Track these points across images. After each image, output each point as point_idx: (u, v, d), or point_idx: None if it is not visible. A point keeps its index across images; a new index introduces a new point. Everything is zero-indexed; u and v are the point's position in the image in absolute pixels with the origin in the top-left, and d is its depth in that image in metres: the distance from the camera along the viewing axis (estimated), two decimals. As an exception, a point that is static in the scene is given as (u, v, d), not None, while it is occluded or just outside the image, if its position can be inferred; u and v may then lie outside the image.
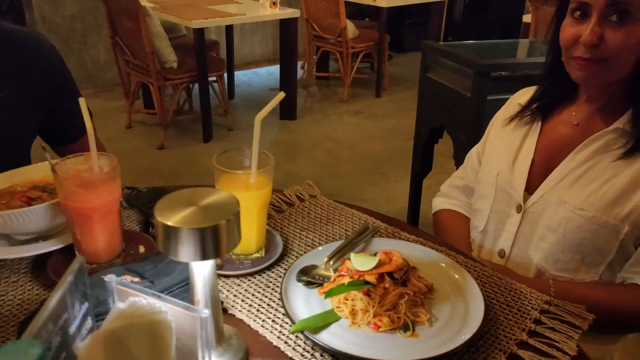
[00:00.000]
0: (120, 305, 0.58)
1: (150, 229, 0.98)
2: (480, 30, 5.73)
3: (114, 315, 0.57)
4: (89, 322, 0.63)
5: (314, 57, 4.76)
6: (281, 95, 0.86)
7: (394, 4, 4.42)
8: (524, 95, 1.12)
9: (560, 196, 0.97)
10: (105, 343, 0.55)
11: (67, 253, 0.87)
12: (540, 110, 1.06)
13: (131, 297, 0.58)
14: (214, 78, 3.69)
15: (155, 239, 0.62)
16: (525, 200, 1.02)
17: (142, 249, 0.91)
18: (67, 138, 1.30)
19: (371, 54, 4.67)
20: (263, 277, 0.87)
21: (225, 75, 4.01)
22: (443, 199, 1.25)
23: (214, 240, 0.61)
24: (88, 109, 0.83)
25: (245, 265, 0.89)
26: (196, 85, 3.66)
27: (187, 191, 0.65)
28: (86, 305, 0.62)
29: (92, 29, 4.59)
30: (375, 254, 0.83)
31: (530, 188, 1.03)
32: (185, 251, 0.61)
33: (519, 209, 1.03)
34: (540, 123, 1.06)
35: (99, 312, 0.66)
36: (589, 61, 0.90)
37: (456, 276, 0.85)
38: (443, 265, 0.88)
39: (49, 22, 4.36)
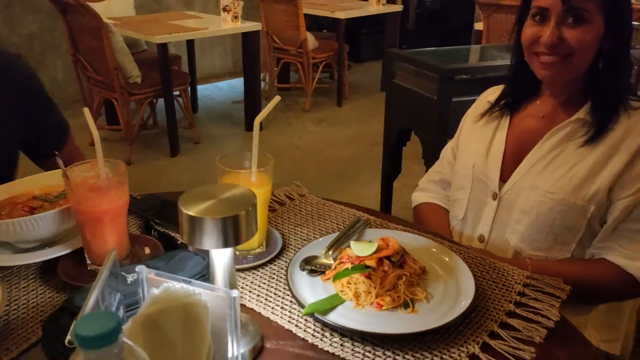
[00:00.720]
0: (154, 291, 0.62)
1: (153, 232, 1.01)
2: (434, 38, 5.94)
3: (149, 300, 0.61)
4: (121, 312, 0.67)
5: (276, 68, 4.83)
6: (277, 99, 0.92)
7: (351, 15, 4.54)
8: (493, 93, 1.21)
9: (532, 182, 1.06)
10: (143, 327, 0.59)
11: (75, 257, 0.90)
12: (508, 106, 1.16)
13: (164, 283, 0.62)
14: (178, 92, 3.70)
15: (179, 230, 0.67)
16: (500, 188, 1.12)
17: (147, 250, 0.94)
18: (46, 153, 1.30)
19: (331, 64, 4.78)
20: (267, 270, 0.93)
21: (189, 89, 4.02)
22: (422, 193, 1.33)
23: (234, 229, 0.66)
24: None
25: (249, 259, 0.94)
26: (160, 99, 3.67)
27: (207, 187, 0.70)
28: (119, 295, 0.67)
29: (50, 48, 4.53)
30: (371, 242, 0.90)
31: (504, 176, 1.12)
32: (209, 240, 0.66)
33: (494, 196, 1.12)
34: (508, 117, 1.16)
35: (127, 304, 0.70)
36: (554, 57, 0.99)
37: (446, 258, 0.93)
38: (433, 249, 0.95)
39: (5, 41, 4.28)
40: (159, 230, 1.01)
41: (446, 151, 1.31)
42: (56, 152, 0.88)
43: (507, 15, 3.34)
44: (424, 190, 1.33)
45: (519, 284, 0.89)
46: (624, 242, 1.02)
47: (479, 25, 3.92)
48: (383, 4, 4.80)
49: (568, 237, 1.04)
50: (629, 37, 1.03)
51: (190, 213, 0.65)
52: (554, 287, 0.88)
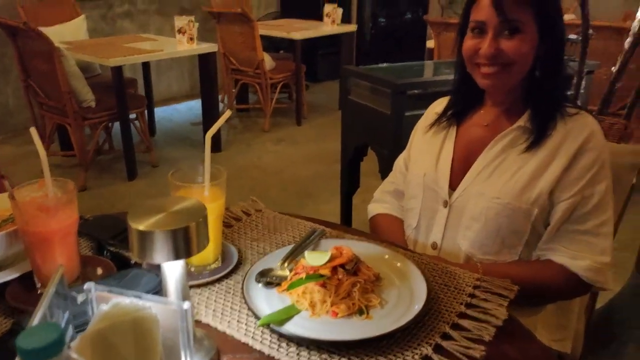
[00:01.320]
0: (103, 307, 0.61)
1: (105, 253, 1.00)
2: (388, 56, 6.08)
3: (98, 316, 0.60)
4: (70, 331, 0.66)
5: (234, 90, 4.84)
6: (228, 113, 0.93)
7: (307, 36, 4.61)
8: (440, 104, 1.26)
9: (479, 189, 1.10)
10: (92, 343, 0.58)
11: (24, 282, 0.88)
12: (454, 116, 1.21)
13: (113, 299, 0.62)
14: (134, 115, 3.66)
15: (129, 246, 0.67)
16: (450, 195, 1.15)
17: (100, 271, 0.93)
18: None
19: (289, 84, 4.82)
20: (222, 285, 0.92)
21: (146, 112, 3.98)
22: (377, 204, 1.36)
23: (185, 241, 0.67)
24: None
25: (205, 275, 0.93)
26: (116, 123, 3.61)
27: (156, 200, 0.70)
28: (67, 314, 0.65)
29: (-1, 73, 4.41)
30: (325, 251, 0.91)
31: (453, 184, 1.16)
32: (160, 253, 0.66)
33: (445, 204, 1.15)
34: (455, 127, 1.20)
35: (77, 324, 0.69)
36: (494, 68, 1.05)
37: (399, 264, 0.95)
38: (386, 256, 0.97)
39: (-51, 69, 4.14)
40: (112, 250, 1.00)
41: (398, 162, 1.34)
42: (2, 175, 0.86)
43: (456, 32, 3.46)
44: (379, 202, 1.36)
45: (470, 286, 0.92)
46: (566, 243, 1.06)
47: (430, 43, 4.05)
48: (338, 25, 4.89)
49: (514, 241, 1.08)
50: (562, 44, 1.09)
51: (140, 228, 0.65)
52: (502, 288, 0.91)
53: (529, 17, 1.02)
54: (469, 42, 1.08)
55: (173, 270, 0.68)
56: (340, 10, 4.87)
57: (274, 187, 3.53)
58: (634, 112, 1.91)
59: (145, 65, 4.35)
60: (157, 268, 0.83)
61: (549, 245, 1.08)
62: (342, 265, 0.86)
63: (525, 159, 1.08)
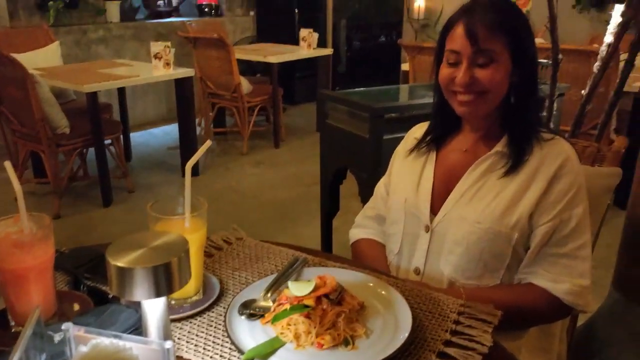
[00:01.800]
0: (82, 349, 0.59)
1: (82, 287, 0.97)
2: (364, 79, 6.15)
3: (77, 359, 0.58)
4: (47, 373, 0.64)
5: (211, 113, 4.83)
6: (208, 143, 0.92)
7: (283, 59, 4.64)
8: (419, 129, 1.27)
9: (460, 213, 1.11)
10: (71, 388, 0.56)
11: (-4, 320, 0.85)
12: (433, 141, 1.22)
13: (93, 340, 0.60)
14: (109, 141, 3.62)
15: (108, 283, 0.65)
16: (431, 220, 1.15)
17: (76, 307, 0.90)
18: None
19: (266, 107, 4.83)
20: (204, 318, 0.91)
21: (121, 137, 3.94)
22: (358, 229, 1.35)
23: (166, 278, 0.65)
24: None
25: (186, 308, 0.91)
26: (91, 149, 3.56)
27: (136, 235, 0.69)
28: (45, 355, 0.63)
29: (-31, 100, 4.32)
30: (309, 281, 0.90)
31: (435, 209, 1.16)
32: (140, 290, 0.64)
33: (427, 229, 1.16)
34: (435, 152, 1.21)
35: (53, 365, 0.66)
36: (470, 96, 1.07)
37: (383, 292, 0.94)
38: (370, 284, 0.96)
39: None
40: (89, 284, 0.97)
41: (379, 187, 1.35)
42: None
43: (430, 56, 3.52)
44: (361, 227, 1.36)
45: (454, 312, 0.92)
46: (547, 266, 1.08)
47: (405, 66, 4.11)
48: (314, 48, 4.94)
49: (496, 265, 1.09)
50: (535, 70, 1.12)
51: (119, 264, 0.63)
52: (486, 313, 0.91)
53: (502, 46, 1.05)
54: (445, 71, 1.10)
55: (154, 308, 0.67)
56: (316, 35, 4.93)
57: (253, 210, 3.51)
58: (604, 134, 1.95)
59: (121, 91, 4.32)
60: (137, 303, 0.81)
61: (530, 268, 1.09)
62: (327, 295, 0.86)
63: (504, 183, 1.09)
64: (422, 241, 1.16)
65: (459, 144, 1.18)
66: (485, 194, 1.10)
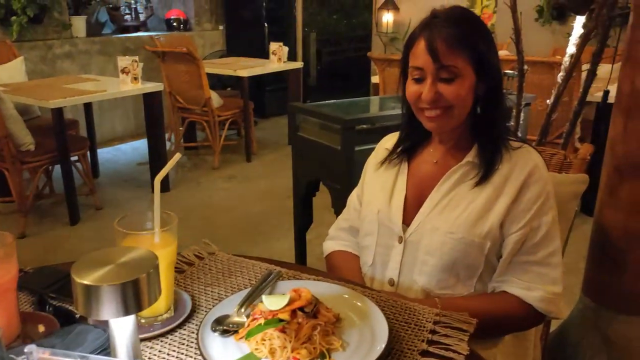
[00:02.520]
0: (47, 372, 0.56)
1: (47, 307, 0.93)
2: (334, 91, 6.19)
3: (41, 383, 0.56)
4: (9, 400, 0.61)
5: (181, 128, 4.78)
6: (177, 156, 0.91)
7: (253, 73, 4.63)
8: (390, 140, 1.27)
9: (433, 224, 1.11)
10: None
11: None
12: (404, 152, 1.22)
13: (58, 363, 0.57)
14: (76, 157, 3.54)
15: (74, 302, 0.62)
16: (404, 231, 1.15)
17: (41, 328, 0.87)
18: None
19: (237, 121, 4.80)
20: (176, 336, 0.88)
21: (88, 153, 3.85)
22: (332, 241, 1.35)
23: (135, 295, 0.63)
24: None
25: (156, 326, 0.89)
26: (57, 166, 3.48)
27: (103, 252, 0.66)
28: (5, 381, 0.60)
29: None
30: (283, 294, 0.88)
31: (407, 220, 1.16)
32: (107, 309, 0.62)
33: (400, 240, 1.16)
34: (406, 164, 1.21)
35: (15, 391, 0.63)
36: (436, 111, 1.07)
37: (359, 304, 0.93)
38: (346, 296, 0.95)
39: None
40: (55, 304, 0.94)
41: (352, 199, 1.34)
42: None
43: (399, 68, 3.57)
44: (335, 239, 1.35)
45: (430, 322, 0.91)
46: (519, 274, 1.08)
47: (375, 79, 4.15)
48: (284, 62, 4.95)
49: (470, 274, 1.09)
50: (499, 82, 1.12)
51: (85, 282, 0.61)
52: (462, 322, 0.91)
53: (464, 60, 1.05)
54: (411, 88, 1.10)
55: (122, 327, 0.64)
56: (286, 49, 4.94)
57: (225, 225, 3.46)
58: (570, 142, 2.00)
59: (88, 106, 4.24)
60: (105, 322, 0.78)
61: (502, 277, 1.10)
62: (302, 308, 0.84)
63: (476, 193, 1.10)
64: (395, 252, 1.16)
65: (430, 155, 1.19)
66: (457, 204, 1.11)
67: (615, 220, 1.60)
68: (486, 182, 1.09)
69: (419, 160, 1.21)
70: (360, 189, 1.32)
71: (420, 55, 1.07)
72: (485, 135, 1.12)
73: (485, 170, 1.10)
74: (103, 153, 4.86)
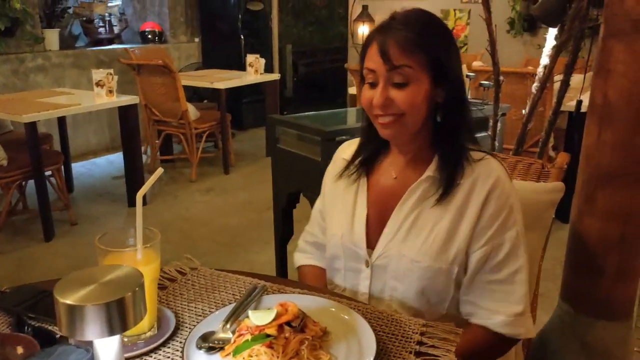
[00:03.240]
0: (30, 397, 0.55)
1: (26, 328, 0.91)
2: (311, 103, 6.22)
3: (24, 409, 0.54)
4: None
5: (157, 141, 4.73)
6: (160, 171, 0.89)
7: (230, 85, 4.62)
8: (347, 149, 1.21)
9: (399, 250, 1.06)
10: None
11: None
12: (363, 164, 1.16)
13: (41, 387, 0.56)
14: (50, 172, 3.47)
15: (57, 322, 0.61)
16: (370, 255, 1.10)
17: (20, 350, 0.84)
18: None
19: (214, 133, 4.78)
20: (160, 354, 0.86)
21: (62, 168, 3.78)
22: (301, 254, 1.32)
23: (120, 315, 0.62)
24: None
25: (140, 345, 0.87)
26: (30, 182, 3.40)
27: (86, 270, 0.65)
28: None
29: None
30: (269, 309, 0.88)
31: (372, 241, 1.11)
32: (92, 329, 0.61)
33: (367, 263, 1.11)
34: (365, 179, 1.15)
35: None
36: (389, 118, 1.02)
37: (346, 317, 0.93)
38: (332, 309, 0.95)
39: None
40: (34, 325, 0.91)
41: (315, 214, 1.30)
42: None
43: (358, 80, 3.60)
44: (303, 252, 1.32)
45: (417, 333, 0.91)
46: (482, 299, 1.05)
47: (352, 90, 4.18)
48: (261, 74, 4.95)
49: (440, 298, 1.06)
50: (461, 89, 1.06)
51: (68, 302, 0.60)
52: (448, 332, 0.91)
53: (419, 64, 1.00)
54: (365, 94, 1.05)
55: (107, 347, 0.63)
56: (262, 60, 4.94)
57: (204, 239, 3.43)
58: (545, 151, 2.04)
59: (61, 120, 4.17)
60: (88, 342, 0.76)
61: (467, 297, 1.07)
62: (288, 323, 0.83)
63: (439, 213, 1.05)
64: (364, 276, 1.12)
65: (389, 167, 1.14)
66: (421, 227, 1.06)
67: (591, 227, 1.63)
68: (448, 199, 1.04)
69: (378, 173, 1.15)
70: (321, 202, 1.27)
71: (373, 57, 1.02)
72: (447, 146, 1.06)
73: (446, 187, 1.04)
74: (77, 167, 4.78)
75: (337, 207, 1.19)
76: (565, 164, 1.27)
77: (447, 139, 1.06)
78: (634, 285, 1.70)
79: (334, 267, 1.19)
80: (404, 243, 1.07)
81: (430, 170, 1.07)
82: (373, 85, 1.04)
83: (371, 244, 1.11)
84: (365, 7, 5.82)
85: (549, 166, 1.29)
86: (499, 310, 1.04)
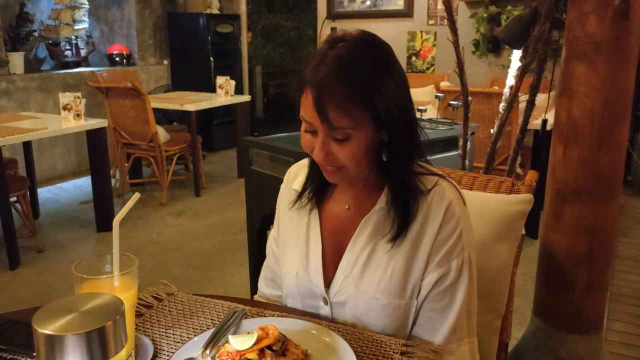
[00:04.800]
0: None
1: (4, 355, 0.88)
2: (282, 123, 6.24)
3: None
4: None
5: (126, 164, 4.66)
6: (137, 195, 0.89)
7: (200, 107, 4.60)
8: (298, 177, 1.15)
9: (357, 286, 1.02)
10: None
11: None
12: (314, 194, 1.10)
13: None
14: (15, 198, 3.38)
15: (36, 353, 0.59)
16: (327, 292, 1.06)
17: (-9, 385, 0.81)
18: None
19: (185, 155, 4.74)
20: (139, 383, 0.84)
21: (28, 193, 3.69)
22: (261, 298, 1.25)
23: (101, 344, 0.61)
24: None
25: (117, 374, 0.85)
26: (-6, 208, 3.30)
27: (66, 300, 0.64)
28: None
29: None
30: (249, 333, 0.87)
31: (329, 275, 1.07)
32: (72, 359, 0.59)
33: (325, 301, 1.06)
34: (317, 210, 1.10)
35: None
36: (332, 168, 0.97)
37: (326, 339, 0.93)
38: (313, 331, 0.95)
39: None
40: (4, 356, 0.88)
41: (270, 245, 1.23)
42: None
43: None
44: (263, 295, 1.26)
45: (397, 352, 0.92)
46: (424, 329, 1.01)
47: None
48: (231, 95, 4.95)
49: (401, 331, 1.02)
50: (408, 119, 0.97)
51: (48, 332, 0.58)
52: (428, 351, 0.92)
53: (360, 117, 0.91)
54: (305, 139, 0.98)
55: (88, 378, 0.61)
56: (233, 82, 4.95)
57: (176, 263, 3.37)
58: (514, 168, 2.10)
59: (27, 145, 4.08)
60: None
61: (415, 328, 1.02)
62: (270, 347, 0.83)
63: (394, 247, 1.00)
64: (323, 313, 1.08)
65: (340, 197, 1.09)
66: (378, 262, 1.01)
67: (560, 242, 1.68)
68: (402, 234, 0.99)
69: (330, 202, 1.10)
70: (276, 230, 1.21)
71: (308, 110, 0.93)
72: (395, 178, 1.00)
73: (400, 222, 0.99)
74: (44, 192, 4.67)
75: (290, 241, 1.14)
76: (535, 182, 1.31)
77: (394, 171, 1.00)
78: (603, 299, 1.75)
79: (291, 306, 1.13)
80: (360, 279, 1.02)
81: (382, 202, 1.02)
82: (311, 132, 0.96)
83: (328, 277, 1.07)
84: (333, 29, 5.92)
85: (518, 184, 1.33)
86: (429, 340, 1.00)
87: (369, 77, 0.91)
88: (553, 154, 1.69)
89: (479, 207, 1.24)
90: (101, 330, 0.60)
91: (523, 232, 1.37)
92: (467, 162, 2.15)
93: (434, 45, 5.55)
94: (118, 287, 0.84)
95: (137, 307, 1.06)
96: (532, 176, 1.33)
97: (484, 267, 1.18)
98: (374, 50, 0.94)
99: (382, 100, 0.91)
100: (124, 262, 0.86)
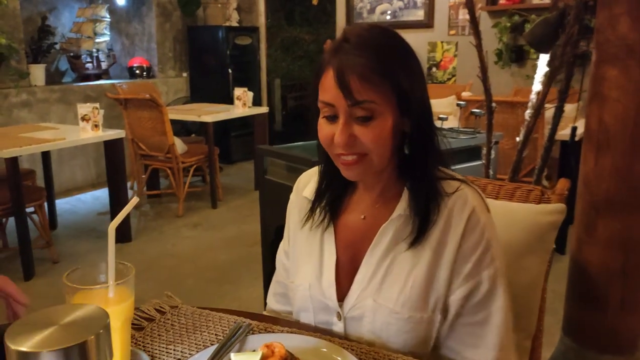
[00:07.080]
0: None
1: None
2: (301, 136, 6.19)
3: None
4: None
5: (143, 175, 4.65)
6: (135, 200, 0.83)
7: (218, 119, 4.59)
8: (309, 186, 1.09)
9: (375, 299, 0.95)
10: None
11: None
12: (329, 207, 1.04)
13: None
14: (32, 209, 3.37)
15: (7, 374, 0.53)
16: (341, 307, 0.99)
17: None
18: None
19: (202, 167, 4.71)
20: (133, 404, 0.78)
21: (46, 204, 3.68)
22: (272, 314, 1.18)
23: (82, 362, 0.54)
24: None
25: (110, 394, 0.78)
26: (11, 218, 3.30)
27: (43, 312, 0.57)
28: None
29: None
30: (254, 351, 0.80)
31: (343, 290, 1.00)
32: (48, 381, 0.52)
33: (338, 316, 1.00)
34: (332, 223, 1.04)
35: None
36: (353, 157, 0.91)
37: (338, 358, 0.85)
38: (324, 349, 0.87)
39: None
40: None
41: (279, 258, 1.17)
42: None
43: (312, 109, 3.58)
44: (273, 311, 1.19)
45: (417, 374, 0.83)
46: (460, 344, 0.95)
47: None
48: (249, 107, 4.93)
49: (423, 348, 0.95)
50: (427, 115, 0.95)
51: (21, 348, 0.52)
52: (452, 373, 0.83)
53: (384, 94, 0.88)
54: (324, 129, 0.93)
55: (66, 400, 0.55)
56: (250, 94, 4.93)
57: (190, 275, 3.32)
58: (541, 178, 2.00)
59: (46, 155, 4.09)
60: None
61: (447, 342, 0.96)
62: (276, 366, 0.75)
63: (415, 255, 0.94)
64: (336, 329, 1.00)
65: (356, 206, 1.03)
66: (397, 273, 0.95)
67: (593, 257, 1.58)
68: (423, 240, 0.93)
69: (345, 213, 1.04)
70: (286, 242, 1.15)
71: (330, 89, 0.89)
72: (416, 178, 0.95)
73: (420, 227, 0.93)
74: (62, 204, 4.68)
75: (303, 253, 1.07)
76: (566, 190, 1.22)
77: (416, 170, 0.95)
78: (639, 317, 1.63)
79: (304, 322, 1.06)
80: (379, 292, 0.95)
81: (401, 208, 0.96)
82: (331, 118, 0.91)
83: (342, 292, 1.00)
84: (353, 41, 5.87)
85: (549, 193, 1.23)
86: (474, 358, 0.93)
87: (391, 52, 0.90)
88: (584, 163, 1.60)
89: (505, 217, 1.15)
90: (82, 346, 0.53)
91: (553, 245, 1.28)
92: (490, 172, 2.06)
93: (455, 56, 5.46)
94: (113, 298, 0.78)
95: (138, 320, 1.00)
96: (563, 184, 1.24)
97: (511, 282, 1.08)
98: (394, 36, 0.93)
99: (405, 75, 0.89)
100: (120, 271, 0.79)
